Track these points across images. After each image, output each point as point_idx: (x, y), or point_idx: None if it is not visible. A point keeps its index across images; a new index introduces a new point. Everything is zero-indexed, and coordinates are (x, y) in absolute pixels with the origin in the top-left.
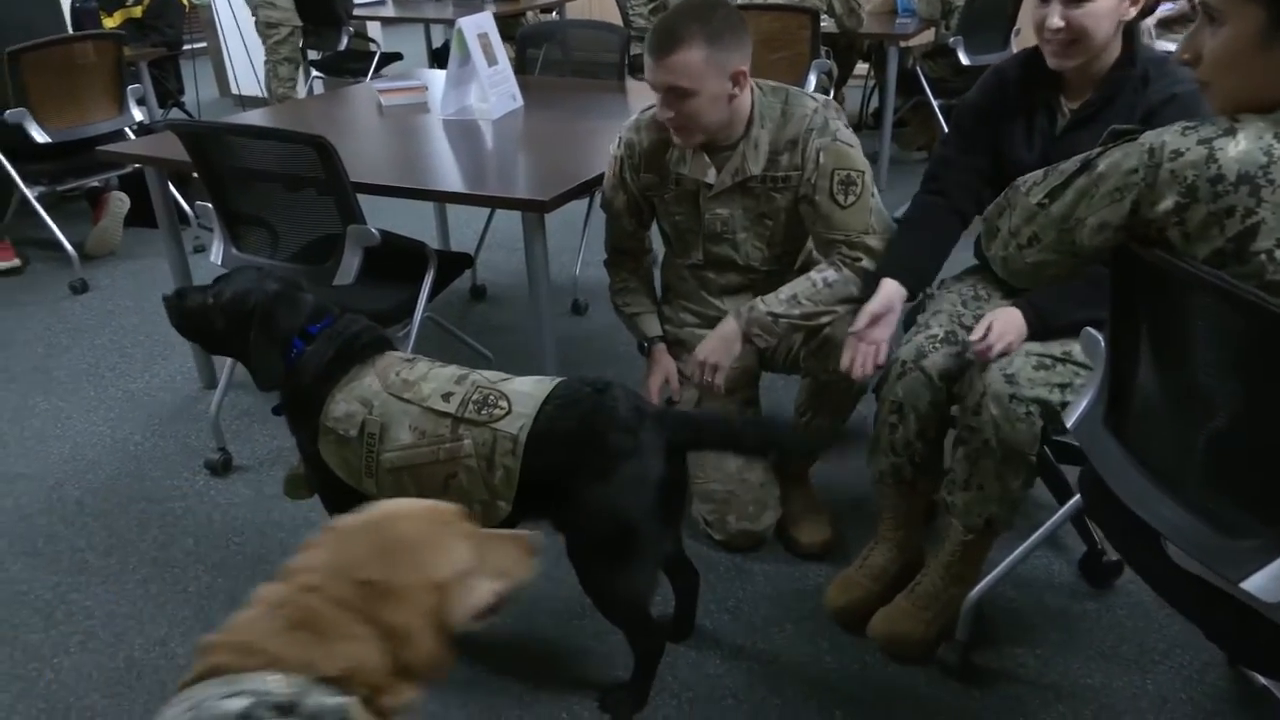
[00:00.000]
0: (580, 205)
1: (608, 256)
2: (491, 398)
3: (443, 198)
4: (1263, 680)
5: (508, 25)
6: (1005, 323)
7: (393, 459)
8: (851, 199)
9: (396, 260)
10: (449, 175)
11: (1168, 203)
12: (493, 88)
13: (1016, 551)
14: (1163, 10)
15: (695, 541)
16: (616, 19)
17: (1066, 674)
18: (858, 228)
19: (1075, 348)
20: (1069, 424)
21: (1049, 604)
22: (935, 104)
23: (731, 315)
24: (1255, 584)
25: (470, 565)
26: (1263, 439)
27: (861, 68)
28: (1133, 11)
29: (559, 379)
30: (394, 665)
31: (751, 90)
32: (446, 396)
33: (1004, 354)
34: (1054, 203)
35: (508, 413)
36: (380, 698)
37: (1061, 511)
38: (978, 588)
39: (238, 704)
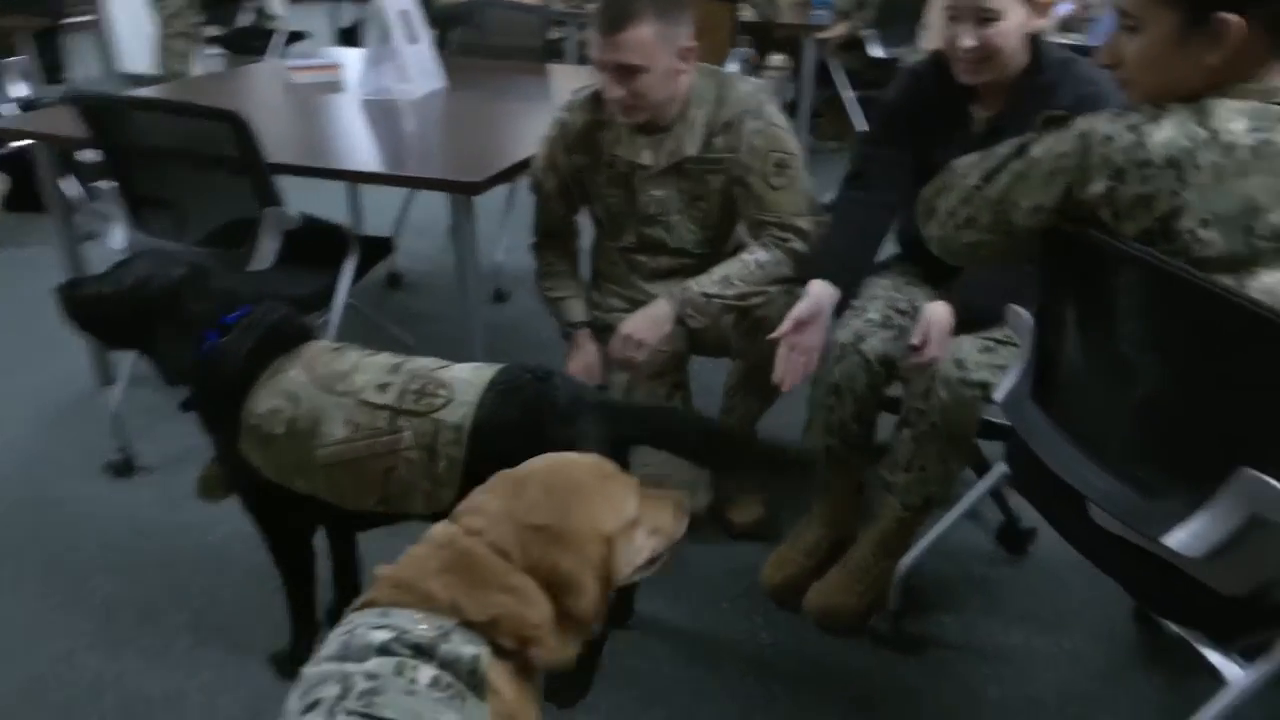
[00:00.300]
0: (501, 191)
1: (535, 240)
2: (430, 386)
3: (368, 179)
4: (1176, 629)
5: (425, 4)
6: (940, 327)
7: (327, 455)
8: (784, 181)
9: (314, 244)
10: (371, 156)
11: (1099, 185)
12: (414, 67)
13: (942, 524)
14: (1061, 10)
15: None
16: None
17: (990, 637)
18: (790, 210)
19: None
20: (997, 398)
21: (971, 572)
22: (851, 96)
23: (664, 297)
24: (1175, 540)
25: (635, 518)
26: (1182, 407)
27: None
28: (1039, 23)
29: (498, 365)
30: (555, 615)
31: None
32: (382, 387)
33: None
34: (989, 185)
35: (449, 401)
36: (529, 649)
37: (982, 485)
38: (906, 560)
39: (380, 636)
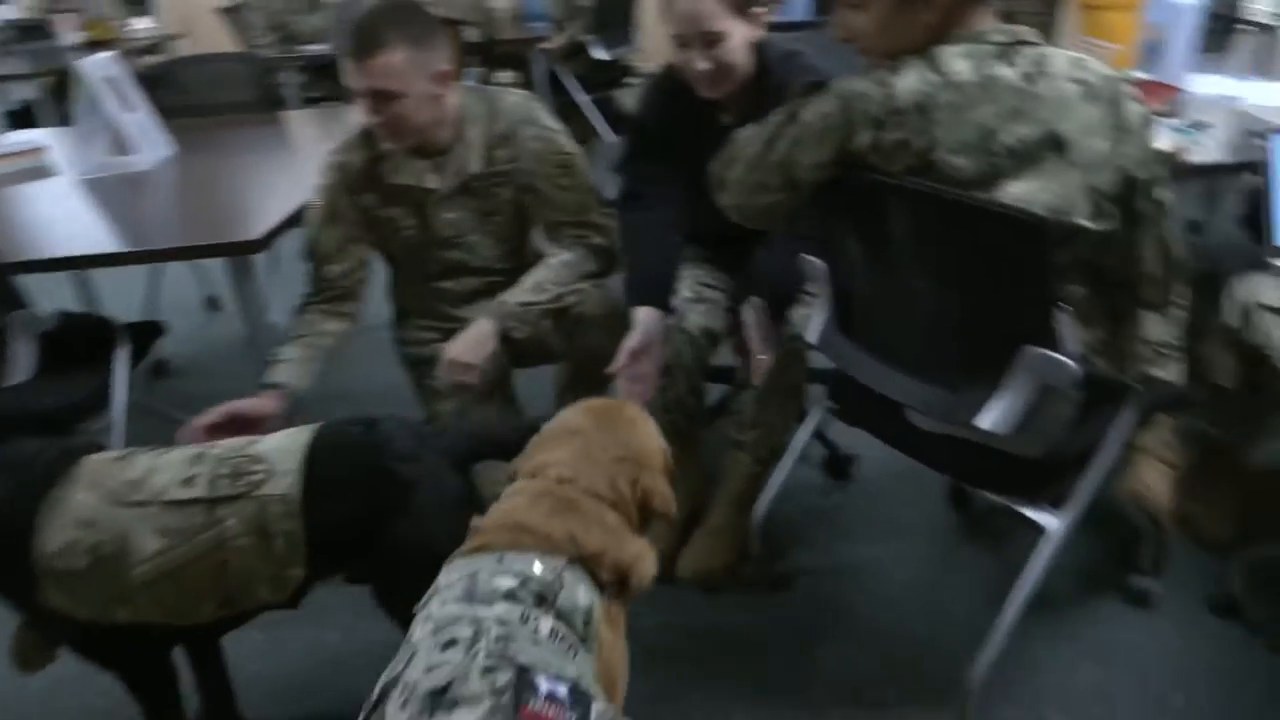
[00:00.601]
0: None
1: (303, 304)
2: (243, 465)
3: (133, 259)
4: (994, 497)
5: None
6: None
7: (144, 573)
8: (570, 181)
9: (69, 344)
10: (117, 236)
11: (864, 137)
12: (136, 136)
13: (781, 470)
14: None
15: None
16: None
17: (842, 556)
18: (581, 208)
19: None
20: (810, 339)
21: (812, 505)
22: (585, 100)
23: (482, 314)
24: (986, 421)
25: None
26: (965, 309)
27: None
28: (758, 32)
29: (311, 426)
30: (641, 532)
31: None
32: (188, 482)
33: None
34: (771, 151)
35: (269, 475)
36: (630, 577)
37: (808, 426)
38: (760, 508)
39: (505, 583)
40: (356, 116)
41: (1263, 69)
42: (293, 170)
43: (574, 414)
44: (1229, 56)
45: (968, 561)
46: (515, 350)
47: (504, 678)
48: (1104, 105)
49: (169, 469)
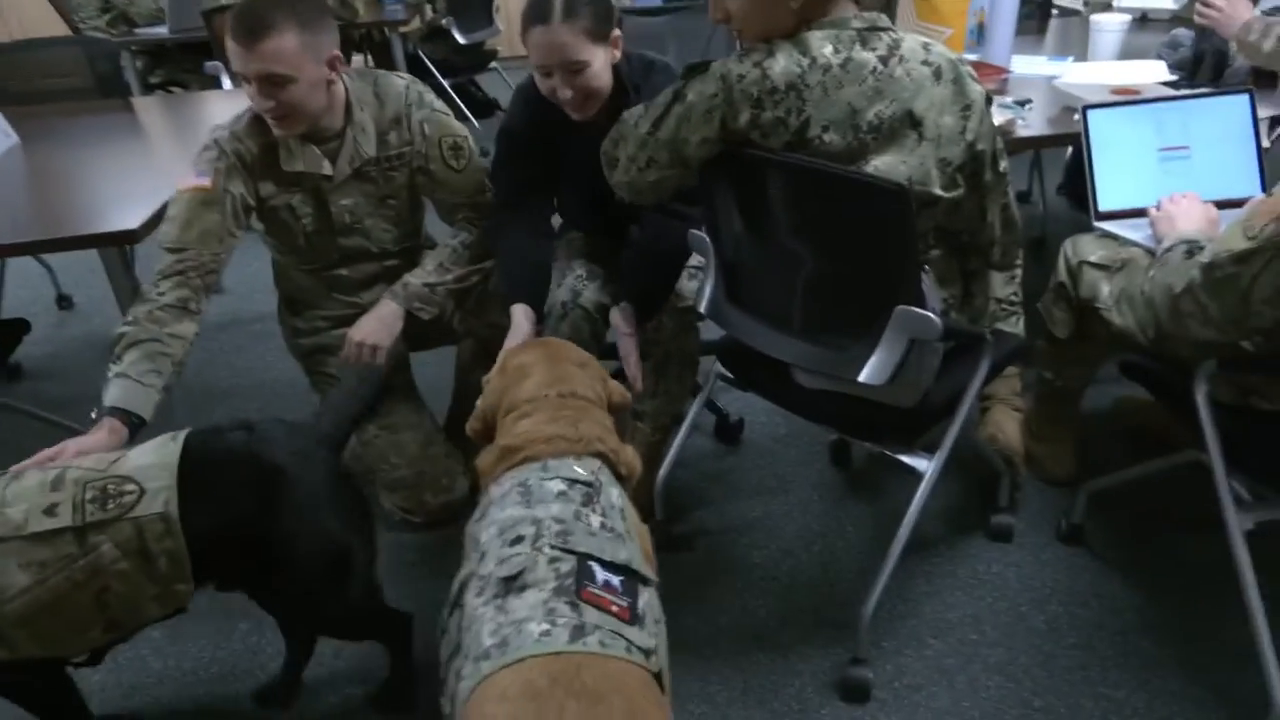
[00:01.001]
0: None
1: (145, 293)
2: (112, 486)
3: (10, 251)
4: (872, 447)
5: None
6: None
7: (18, 609)
8: (463, 162)
9: None
10: None
11: (745, 115)
12: None
13: (678, 437)
14: None
15: (395, 533)
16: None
17: (738, 515)
18: (474, 189)
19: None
20: (701, 309)
21: (707, 469)
22: (447, 83)
23: (387, 296)
24: (865, 375)
25: None
26: (839, 274)
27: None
28: (618, 54)
29: (180, 434)
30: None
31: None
32: (50, 510)
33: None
34: (660, 129)
35: (141, 494)
36: (630, 474)
37: (701, 396)
38: (660, 475)
39: (556, 485)
40: (211, 102)
41: (1074, 50)
42: (150, 159)
43: (518, 353)
44: (1045, 39)
45: (851, 512)
46: (413, 333)
47: (567, 565)
48: (950, 85)
49: (24, 499)
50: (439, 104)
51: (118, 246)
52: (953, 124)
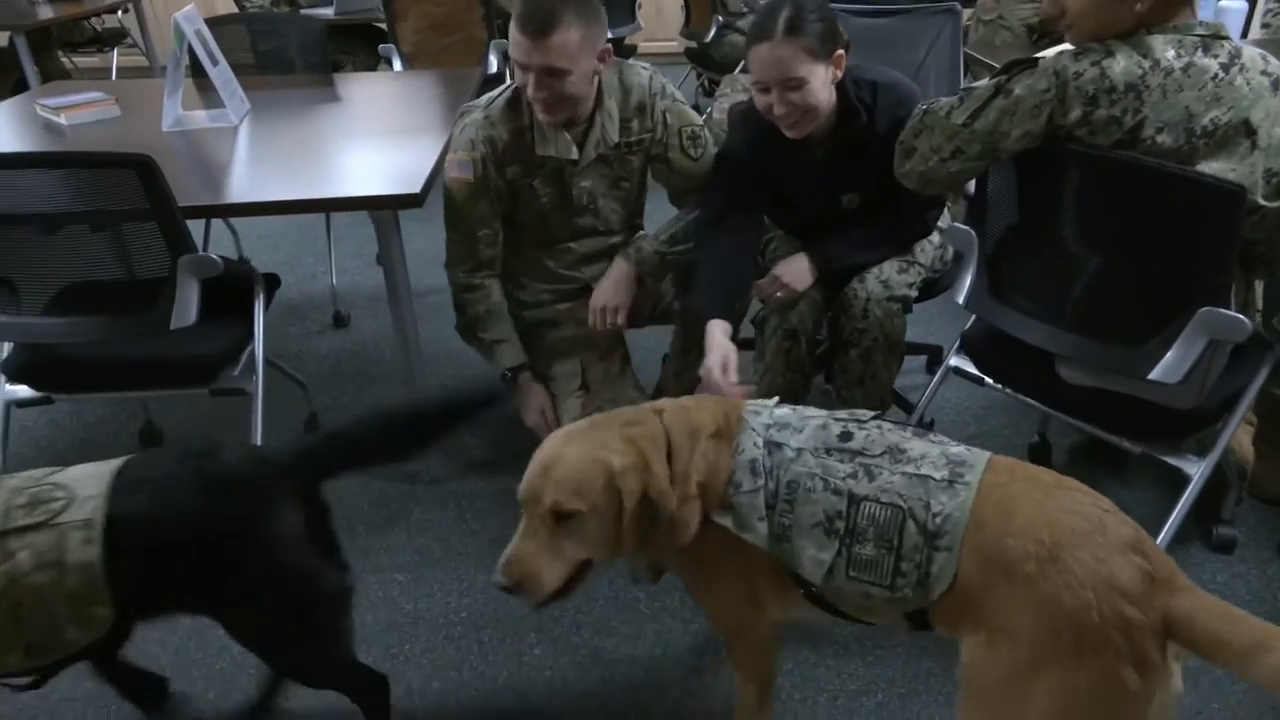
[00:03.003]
0: (314, 216)
1: (460, 282)
2: (44, 493)
3: (310, 207)
4: (1136, 446)
5: (68, 31)
6: (792, 274)
7: None
8: (700, 151)
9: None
10: (270, 186)
11: (1077, 112)
12: (224, 91)
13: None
14: None
15: None
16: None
17: None
18: (708, 176)
19: (916, 251)
20: (960, 301)
21: None
22: None
23: (620, 258)
24: (1158, 373)
25: None
26: (1149, 271)
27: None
28: (839, 74)
29: (124, 458)
30: None
31: None
32: None
33: (786, 299)
34: (977, 120)
35: (69, 501)
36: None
37: (933, 384)
38: None
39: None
40: (393, 83)
41: None
42: (372, 131)
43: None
44: None
45: None
46: (632, 311)
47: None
48: None
49: None
50: (679, 94)
51: (401, 209)
52: None
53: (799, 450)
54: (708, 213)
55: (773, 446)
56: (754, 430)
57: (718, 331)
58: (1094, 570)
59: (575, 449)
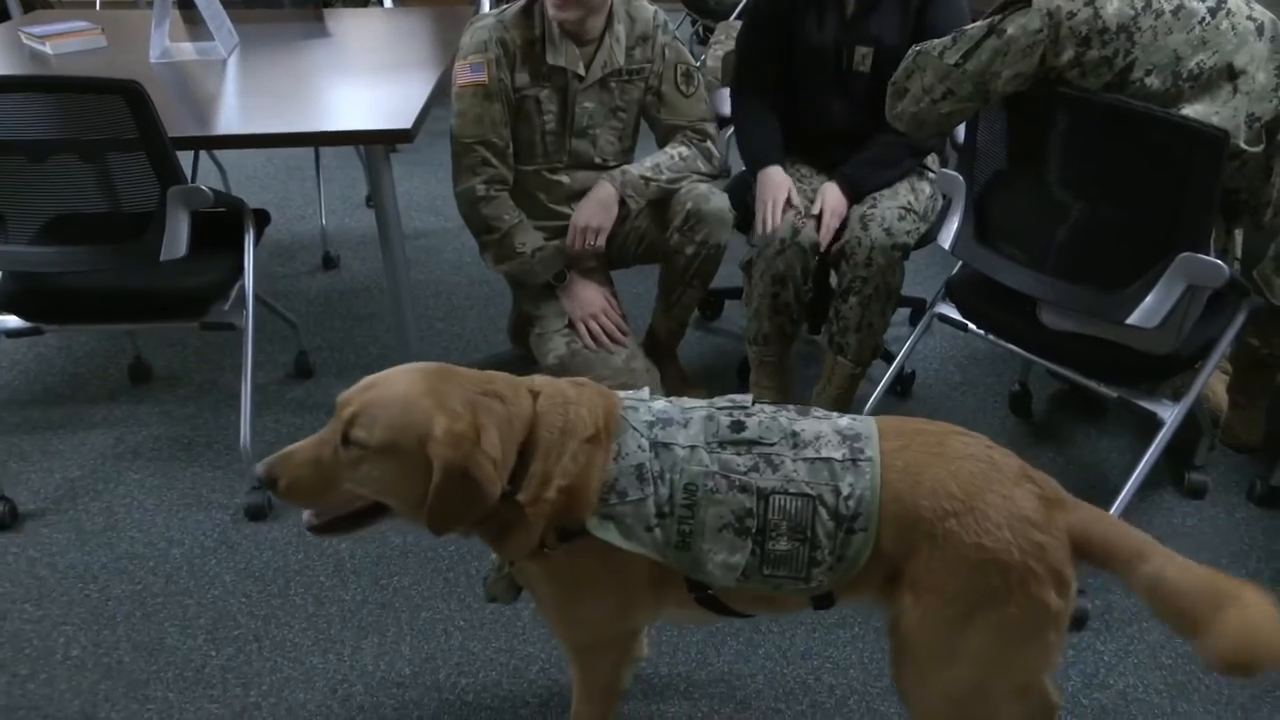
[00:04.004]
0: (304, 153)
1: (479, 195)
2: None
3: (287, 141)
4: (1113, 390)
5: None
6: (834, 203)
7: None
8: (693, 89)
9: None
10: (258, 118)
11: (1069, 52)
12: (213, 23)
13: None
14: None
15: None
16: None
17: None
18: (699, 114)
19: (912, 199)
20: (945, 245)
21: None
22: None
23: (604, 179)
24: (1136, 318)
25: None
26: (1130, 216)
27: None
28: None
29: None
30: None
31: None
32: None
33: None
34: (970, 61)
35: None
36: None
37: (915, 334)
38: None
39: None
40: (387, 19)
41: None
42: (377, 64)
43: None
44: None
45: (1037, 460)
46: (612, 253)
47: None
48: (1270, 43)
49: None
50: (678, 33)
51: (392, 144)
52: (1266, 81)
53: (691, 448)
54: (740, 64)
55: (660, 447)
56: (636, 430)
57: (777, 173)
58: (1003, 509)
59: (412, 386)
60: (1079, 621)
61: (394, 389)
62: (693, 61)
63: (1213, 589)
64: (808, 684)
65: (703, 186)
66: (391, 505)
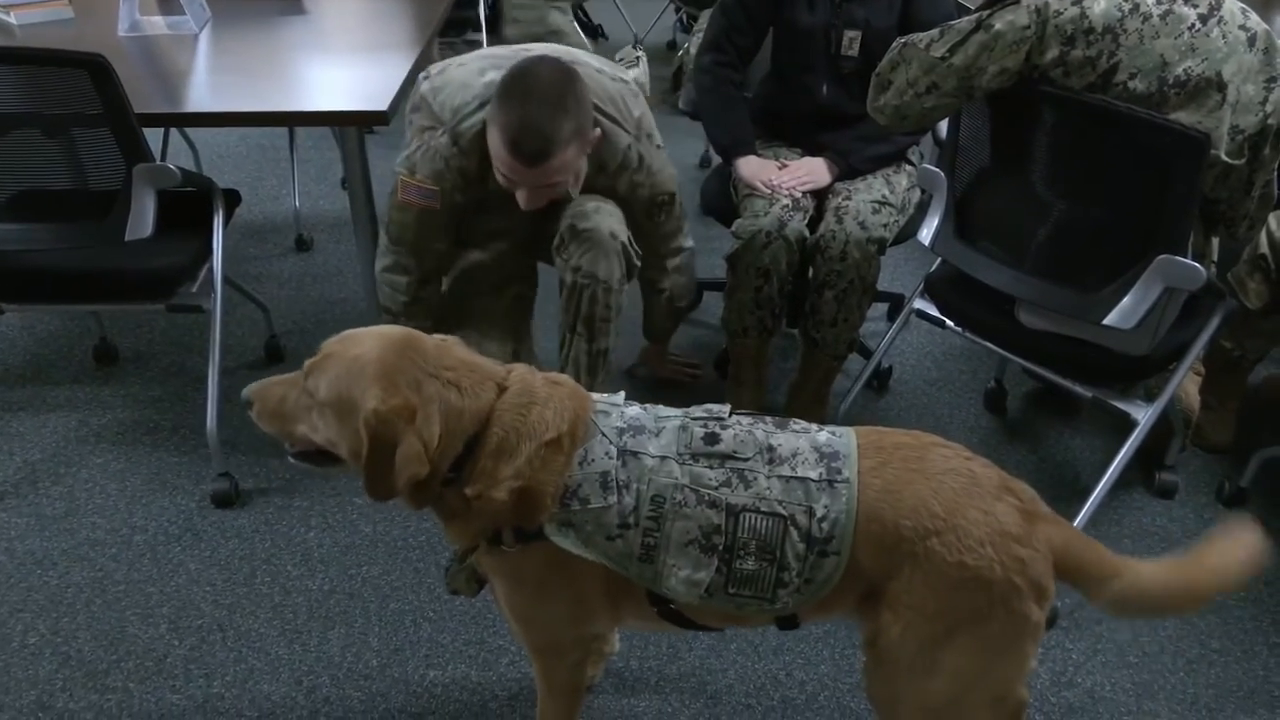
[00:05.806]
0: (279, 133)
1: (409, 296)
2: None
3: (268, 120)
4: (1087, 390)
5: None
6: (813, 166)
7: None
8: (662, 216)
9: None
10: (227, 97)
11: (1054, 51)
12: None
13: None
14: None
15: None
16: None
17: None
18: (660, 240)
19: (887, 192)
20: (925, 242)
21: (856, 416)
22: None
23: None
24: (1113, 318)
25: None
26: (1111, 218)
27: None
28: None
29: None
30: None
31: None
32: None
33: (804, 192)
34: (955, 55)
35: None
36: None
37: (891, 332)
38: (843, 407)
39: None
40: None
41: None
42: (348, 41)
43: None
44: None
45: (1009, 458)
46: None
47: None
48: (1260, 55)
49: None
50: (659, 159)
51: (361, 127)
52: (1254, 93)
53: (661, 458)
54: (717, 34)
55: (628, 456)
56: (605, 437)
57: (755, 161)
58: (984, 524)
59: (367, 351)
60: (1049, 621)
61: (351, 350)
62: (670, 189)
63: (1184, 565)
64: (779, 679)
65: (592, 203)
66: (333, 450)
